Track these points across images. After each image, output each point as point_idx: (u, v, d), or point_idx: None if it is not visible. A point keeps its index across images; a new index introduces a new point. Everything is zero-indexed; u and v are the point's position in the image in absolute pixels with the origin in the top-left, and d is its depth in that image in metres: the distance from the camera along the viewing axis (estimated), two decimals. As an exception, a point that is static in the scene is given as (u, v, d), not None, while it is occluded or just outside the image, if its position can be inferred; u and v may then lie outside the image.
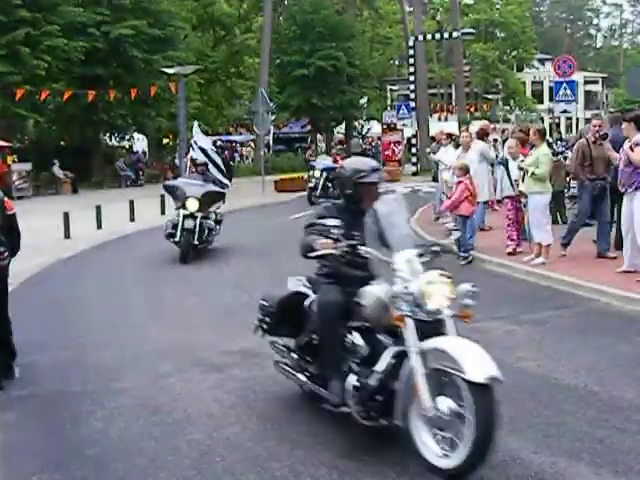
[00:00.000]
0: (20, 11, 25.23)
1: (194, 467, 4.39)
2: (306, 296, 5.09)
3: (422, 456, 4.11)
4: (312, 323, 4.93)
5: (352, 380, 4.46)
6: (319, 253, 4.59)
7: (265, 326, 5.29)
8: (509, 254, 10.82)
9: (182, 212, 11.92)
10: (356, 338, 4.55)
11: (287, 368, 5.28)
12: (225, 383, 5.92)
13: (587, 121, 54.64)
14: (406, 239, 4.56)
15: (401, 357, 4.22)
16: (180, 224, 11.82)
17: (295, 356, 5.24)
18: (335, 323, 4.63)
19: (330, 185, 20.96)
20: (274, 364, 5.43)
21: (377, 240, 4.67)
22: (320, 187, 20.74)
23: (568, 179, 14.14)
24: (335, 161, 21.73)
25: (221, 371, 6.22)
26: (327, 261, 4.81)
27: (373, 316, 4.39)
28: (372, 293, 4.39)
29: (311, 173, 21.52)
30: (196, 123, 15.62)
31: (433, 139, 21.02)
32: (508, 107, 56.88)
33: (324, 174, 20.78)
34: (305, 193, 21.44)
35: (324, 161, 22.12)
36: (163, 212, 18.02)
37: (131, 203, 18.01)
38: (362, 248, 4.52)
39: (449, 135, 15.70)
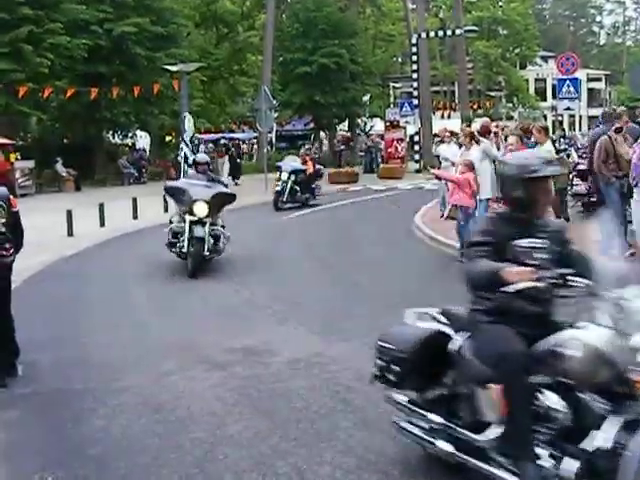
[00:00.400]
0: (23, 9, 25.18)
1: (197, 465, 4.38)
2: (448, 337, 3.95)
3: None
4: (459, 374, 3.84)
5: (567, 462, 3.27)
6: (518, 287, 3.40)
7: (393, 377, 3.97)
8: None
9: (189, 218, 10.48)
10: (551, 400, 3.38)
11: (418, 433, 4.01)
12: (228, 381, 5.91)
13: (590, 119, 54.76)
14: (607, 264, 3.50)
15: (631, 428, 3.15)
16: (187, 232, 10.39)
17: (435, 418, 3.91)
18: (525, 381, 3.44)
19: (298, 189, 19.06)
20: (393, 425, 4.23)
21: (559, 265, 3.66)
22: (287, 191, 18.74)
23: (571, 176, 14.10)
24: (304, 162, 19.83)
25: (224, 369, 6.21)
26: (501, 295, 3.50)
27: (584, 372, 3.28)
28: (583, 340, 3.34)
29: (277, 176, 19.26)
30: (187, 115, 14.43)
31: (436, 136, 20.96)
32: (511, 104, 56.96)
33: (292, 177, 18.78)
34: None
35: (292, 163, 19.67)
36: (166, 210, 18.00)
37: (134, 201, 17.98)
38: (576, 279, 3.50)
39: (452, 133, 15.70)
